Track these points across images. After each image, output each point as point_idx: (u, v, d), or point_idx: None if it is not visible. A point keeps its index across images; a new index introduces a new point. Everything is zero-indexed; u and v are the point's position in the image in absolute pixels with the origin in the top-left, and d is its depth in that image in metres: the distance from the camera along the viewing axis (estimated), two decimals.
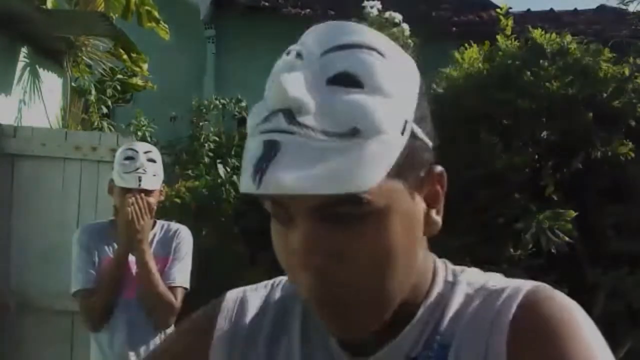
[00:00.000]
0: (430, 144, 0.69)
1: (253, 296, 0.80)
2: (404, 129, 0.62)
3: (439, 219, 0.70)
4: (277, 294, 0.79)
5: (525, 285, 0.68)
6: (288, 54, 0.67)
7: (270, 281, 0.82)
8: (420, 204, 0.68)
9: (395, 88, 0.62)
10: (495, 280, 0.71)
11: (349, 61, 0.61)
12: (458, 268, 0.75)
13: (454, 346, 0.67)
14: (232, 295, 0.82)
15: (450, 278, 0.73)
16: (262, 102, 0.63)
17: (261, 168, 0.57)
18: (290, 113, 0.58)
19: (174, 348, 0.82)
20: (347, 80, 0.60)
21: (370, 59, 0.62)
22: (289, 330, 0.75)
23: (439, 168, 0.71)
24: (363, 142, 0.58)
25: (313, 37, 0.66)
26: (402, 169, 0.62)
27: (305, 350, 0.73)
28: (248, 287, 0.83)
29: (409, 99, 0.64)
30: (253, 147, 0.60)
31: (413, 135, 0.63)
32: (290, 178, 0.56)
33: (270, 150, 0.58)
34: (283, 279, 0.80)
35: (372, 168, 0.58)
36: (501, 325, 0.64)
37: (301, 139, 0.57)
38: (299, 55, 0.65)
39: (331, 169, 0.56)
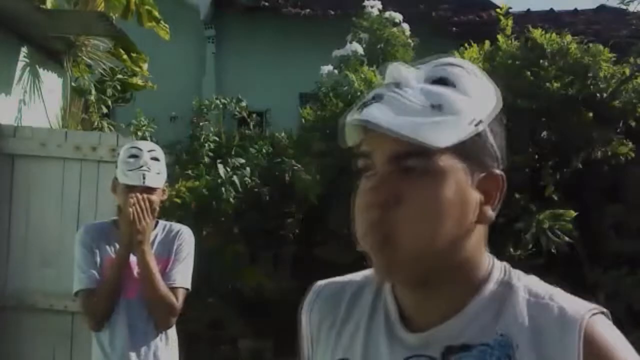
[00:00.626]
0: (498, 155, 0.83)
1: (332, 284, 0.96)
2: (475, 123, 0.78)
3: (492, 214, 0.82)
4: (358, 277, 0.94)
5: (586, 308, 0.78)
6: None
7: (352, 274, 0.96)
8: (475, 194, 0.80)
9: (475, 93, 0.81)
10: (551, 293, 0.82)
11: (447, 71, 0.81)
12: (516, 272, 0.85)
13: (521, 348, 0.76)
14: (315, 286, 0.97)
15: (507, 279, 0.83)
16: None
17: (365, 105, 0.77)
18: (398, 84, 0.79)
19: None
20: (443, 81, 0.80)
21: (462, 72, 0.82)
22: (362, 304, 0.89)
23: (499, 173, 0.83)
24: (442, 114, 0.76)
25: (429, 60, 0.85)
26: (467, 155, 0.78)
27: (370, 324, 0.87)
28: (330, 279, 0.97)
29: (486, 107, 0.82)
30: (365, 97, 0.79)
31: (483, 136, 0.80)
32: (382, 116, 0.75)
33: (375, 98, 0.78)
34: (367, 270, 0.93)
35: (444, 134, 0.75)
36: (573, 344, 0.75)
37: (399, 97, 0.77)
38: (417, 67, 0.83)
39: (414, 121, 0.74)
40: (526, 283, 0.83)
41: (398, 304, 0.85)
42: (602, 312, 0.80)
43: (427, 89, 0.78)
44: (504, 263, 0.87)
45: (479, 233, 0.82)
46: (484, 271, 0.83)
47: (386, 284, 0.88)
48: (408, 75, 0.80)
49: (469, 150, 0.78)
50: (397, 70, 0.81)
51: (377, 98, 0.78)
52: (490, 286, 0.82)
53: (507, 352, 0.76)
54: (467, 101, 0.79)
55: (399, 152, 0.76)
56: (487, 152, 0.81)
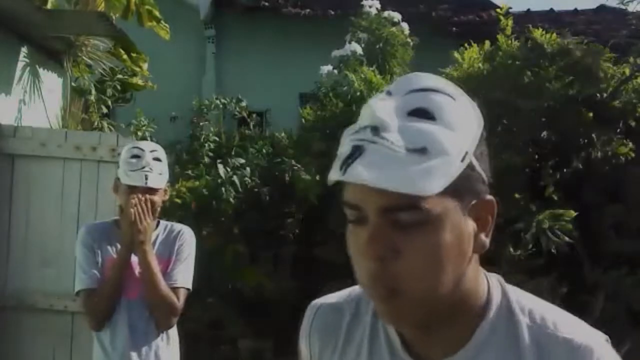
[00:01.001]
0: (485, 178, 0.81)
1: (326, 307, 0.96)
2: (463, 158, 0.76)
3: (487, 241, 0.82)
4: (353, 295, 0.94)
5: (592, 337, 0.80)
6: (382, 92, 0.82)
7: (348, 289, 0.97)
8: (470, 225, 0.80)
9: (459, 125, 0.77)
10: (554, 319, 0.82)
11: (426, 100, 0.77)
12: (510, 288, 0.86)
13: None
14: (309, 311, 0.98)
15: (505, 303, 0.84)
16: (354, 125, 0.79)
17: (347, 163, 0.74)
18: (376, 129, 0.75)
19: None
20: (423, 114, 0.76)
21: (443, 99, 0.78)
22: (362, 324, 0.90)
23: (490, 198, 0.82)
24: (429, 159, 0.73)
25: (401, 81, 0.81)
26: (458, 191, 0.76)
27: (372, 348, 0.87)
28: (324, 297, 0.98)
29: (471, 136, 0.78)
30: (344, 150, 0.76)
31: (471, 165, 0.78)
32: (367, 172, 0.72)
33: (356, 152, 0.74)
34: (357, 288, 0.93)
35: (433, 180, 0.72)
36: None
37: (381, 147, 0.73)
38: (389, 93, 0.80)
39: (401, 173, 0.72)
40: (524, 305, 0.84)
41: (398, 331, 0.86)
42: (607, 340, 0.81)
43: (408, 128, 0.75)
44: (497, 277, 0.87)
45: (475, 262, 0.83)
46: (483, 296, 0.84)
47: None
48: (384, 115, 0.75)
49: (460, 186, 0.76)
50: (372, 111, 0.76)
51: (358, 152, 0.74)
52: (492, 314, 0.83)
53: None
54: (452, 136, 0.76)
55: (390, 205, 0.75)
56: (476, 179, 0.79)
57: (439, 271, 0.77)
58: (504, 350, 0.80)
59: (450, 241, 0.77)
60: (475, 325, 0.82)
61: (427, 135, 0.74)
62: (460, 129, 0.77)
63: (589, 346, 0.78)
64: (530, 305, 0.83)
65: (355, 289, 0.94)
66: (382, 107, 0.76)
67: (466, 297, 0.81)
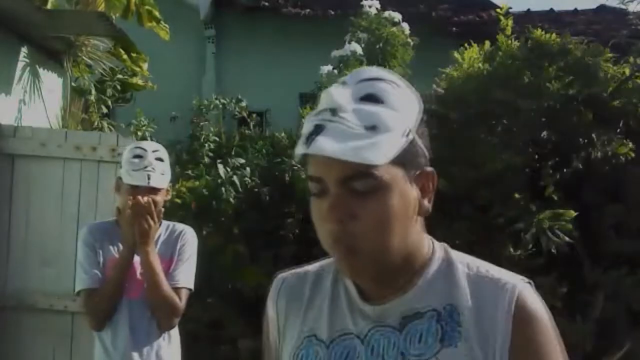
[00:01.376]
0: (426, 153, 0.97)
1: (292, 275, 1.10)
2: (407, 134, 0.91)
3: (429, 205, 0.97)
4: (314, 268, 1.09)
5: (517, 280, 0.96)
6: (339, 82, 0.96)
7: (307, 265, 1.11)
8: (414, 191, 0.95)
9: (402, 107, 0.93)
10: (487, 267, 0.99)
11: (374, 87, 0.93)
12: (454, 251, 1.02)
13: (464, 315, 0.93)
14: (276, 281, 1.11)
15: (447, 257, 1.00)
16: (314, 110, 0.94)
17: (310, 138, 0.87)
18: (334, 110, 0.90)
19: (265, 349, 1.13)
20: (372, 98, 0.91)
21: (388, 86, 0.94)
22: (322, 290, 1.04)
23: (430, 169, 0.98)
24: (378, 134, 0.87)
25: (354, 73, 0.97)
26: (403, 162, 0.91)
27: (332, 306, 1.01)
28: (289, 270, 1.12)
29: (412, 116, 0.94)
30: (307, 128, 0.90)
31: (413, 142, 0.92)
32: (328, 146, 0.85)
33: (318, 129, 0.88)
34: (321, 261, 1.09)
35: (382, 151, 0.87)
36: (507, 311, 0.92)
37: (338, 125, 0.88)
38: (344, 83, 0.95)
39: (356, 145, 0.85)
40: (464, 259, 1.00)
41: (356, 285, 1.00)
42: (529, 283, 0.97)
43: (360, 110, 0.89)
44: (443, 244, 1.03)
45: (419, 223, 0.98)
46: (427, 252, 0.99)
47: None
48: (340, 99, 0.90)
49: (404, 158, 0.91)
50: (330, 96, 0.91)
51: (319, 129, 0.88)
52: (435, 264, 0.98)
53: (456, 318, 0.93)
54: (397, 116, 0.91)
55: (346, 175, 0.89)
56: (418, 154, 0.94)
57: (390, 230, 0.91)
58: (444, 290, 0.96)
59: (398, 205, 0.91)
60: (420, 273, 0.97)
61: (376, 115, 0.89)
62: (402, 110, 0.92)
63: (513, 283, 0.94)
64: (467, 260, 1.00)
65: (315, 264, 1.09)
66: (338, 93, 0.91)
67: (412, 252, 0.96)
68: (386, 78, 0.95)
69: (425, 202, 0.97)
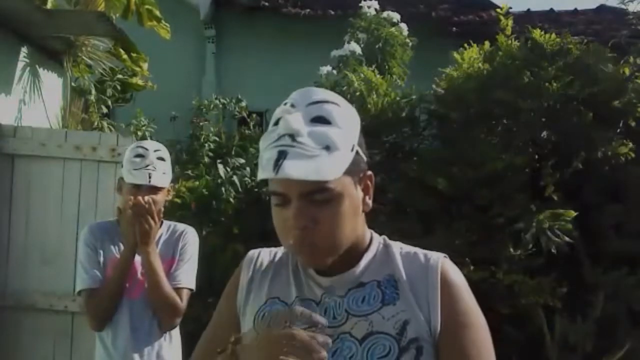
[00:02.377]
0: (365, 158, 1.16)
1: (265, 251, 1.30)
2: (352, 148, 1.09)
3: (370, 202, 1.18)
4: (280, 252, 1.29)
5: (439, 255, 1.19)
6: (286, 104, 1.10)
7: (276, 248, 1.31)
8: (359, 192, 1.15)
9: (346, 124, 1.10)
10: (415, 249, 1.21)
11: (321, 109, 1.09)
12: (390, 240, 1.24)
13: (401, 281, 1.15)
14: (251, 252, 1.30)
15: (384, 243, 1.23)
16: (269, 131, 1.09)
17: (277, 164, 1.02)
18: (292, 136, 1.05)
19: (218, 317, 1.30)
20: (321, 120, 1.07)
21: (332, 108, 1.10)
22: (287, 266, 1.24)
23: (369, 172, 1.18)
24: (331, 153, 1.05)
25: (300, 95, 1.12)
26: (351, 171, 1.09)
27: (295, 277, 1.21)
28: (260, 249, 1.31)
29: (354, 131, 1.12)
30: (269, 155, 1.05)
31: (357, 152, 1.11)
32: (294, 170, 1.01)
33: (282, 155, 1.03)
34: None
35: (336, 167, 1.05)
36: (435, 276, 1.15)
37: (298, 150, 1.03)
38: (292, 105, 1.09)
39: (315, 166, 1.02)
40: (397, 244, 1.22)
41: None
42: (446, 257, 1.19)
43: (313, 132, 1.05)
44: (383, 235, 1.24)
45: (363, 217, 1.18)
46: (368, 239, 1.21)
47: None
48: (296, 124, 1.05)
49: (351, 168, 1.08)
50: (287, 122, 1.05)
51: (282, 155, 1.03)
52: (374, 247, 1.20)
53: (394, 284, 1.15)
54: (343, 133, 1.08)
55: (307, 190, 1.06)
56: (360, 161, 1.13)
57: (343, 229, 1.11)
58: (383, 265, 1.18)
59: (349, 207, 1.10)
60: (362, 254, 1.19)
61: (327, 136, 1.05)
62: (347, 127, 1.09)
63: (436, 258, 1.18)
64: (400, 244, 1.23)
65: (281, 248, 1.26)
66: (294, 119, 1.06)
67: (357, 240, 1.17)
68: (330, 100, 1.11)
69: (367, 199, 1.17)
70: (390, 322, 1.11)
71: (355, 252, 1.18)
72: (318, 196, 1.07)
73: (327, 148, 1.04)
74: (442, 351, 1.11)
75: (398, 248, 1.21)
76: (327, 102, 1.10)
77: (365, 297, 1.14)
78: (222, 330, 1.25)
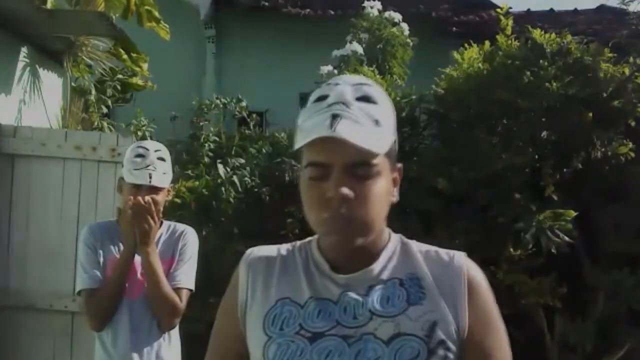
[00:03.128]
0: (397, 151, 1.16)
1: (265, 248, 1.22)
2: (394, 131, 1.11)
3: (397, 195, 1.15)
4: (283, 249, 1.21)
5: (461, 253, 1.16)
6: (329, 84, 1.11)
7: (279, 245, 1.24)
8: (391, 180, 1.13)
9: (389, 108, 1.11)
10: (432, 247, 1.18)
11: (367, 90, 1.09)
12: (405, 238, 1.19)
13: (426, 280, 1.11)
14: (249, 251, 1.23)
15: (401, 240, 1.18)
16: (312, 105, 1.09)
17: (334, 124, 1.01)
18: (345, 104, 1.05)
19: (220, 338, 1.23)
20: (368, 99, 1.07)
21: (376, 90, 1.10)
22: (295, 263, 1.17)
23: (400, 164, 1.16)
24: (380, 128, 1.06)
25: (343, 77, 1.13)
26: (389, 155, 1.10)
27: (308, 274, 1.14)
28: (259, 246, 1.24)
29: (394, 116, 1.12)
30: (321, 118, 1.03)
31: (396, 139, 1.12)
32: (349, 132, 1.00)
33: (337, 117, 1.02)
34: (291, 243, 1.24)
35: (383, 142, 1.06)
36: (461, 276, 1.12)
37: (351, 117, 1.03)
38: (337, 84, 1.09)
39: (367, 135, 1.02)
40: (415, 243, 1.18)
41: (325, 258, 1.14)
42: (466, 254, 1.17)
43: (362, 107, 1.05)
44: (399, 234, 1.20)
45: (388, 209, 1.15)
46: (387, 235, 1.17)
47: (313, 249, 1.17)
48: (347, 95, 1.05)
49: (391, 151, 1.10)
50: (339, 92, 1.05)
51: (339, 118, 1.02)
52: (393, 244, 1.16)
53: (417, 282, 1.11)
54: (388, 115, 1.09)
55: (354, 161, 1.04)
56: (396, 150, 1.14)
57: (378, 209, 1.08)
58: (403, 263, 1.14)
59: (384, 189, 1.08)
60: (382, 251, 1.14)
61: (377, 112, 1.06)
62: (390, 110, 1.11)
63: (461, 255, 1.15)
64: (417, 243, 1.18)
65: (284, 245, 1.22)
66: (345, 90, 1.06)
67: (380, 233, 1.14)
68: (372, 84, 1.11)
69: (395, 191, 1.14)
70: (418, 323, 1.07)
71: (374, 247, 1.13)
72: (360, 170, 1.04)
73: (376, 122, 1.04)
74: (467, 354, 1.08)
75: (416, 246, 1.18)
76: (369, 85, 1.10)
77: (390, 297, 1.10)
78: (226, 351, 1.20)
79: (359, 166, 1.04)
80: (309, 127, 1.04)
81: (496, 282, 3.70)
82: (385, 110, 1.08)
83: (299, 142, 1.05)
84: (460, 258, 1.15)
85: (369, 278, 1.11)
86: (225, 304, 1.22)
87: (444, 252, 1.16)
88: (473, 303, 1.10)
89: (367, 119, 1.04)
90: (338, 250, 1.11)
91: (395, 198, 1.14)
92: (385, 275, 1.12)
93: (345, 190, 1.03)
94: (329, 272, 1.13)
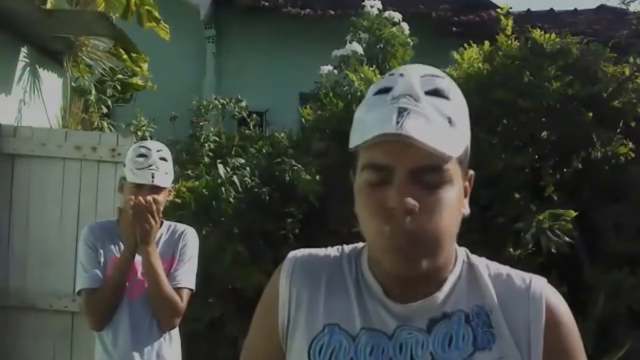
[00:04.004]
0: (469, 154, 0.98)
1: (309, 254, 1.04)
2: (468, 132, 0.94)
3: (468, 207, 0.98)
4: (332, 253, 1.03)
5: (541, 280, 0.97)
6: (392, 74, 0.94)
7: (323, 249, 1.06)
8: (463, 190, 0.95)
9: (463, 105, 0.94)
10: (504, 268, 0.99)
11: (438, 83, 0.91)
12: (471, 254, 1.02)
13: (495, 314, 0.93)
14: (292, 256, 1.04)
15: (468, 260, 1.00)
16: (373, 98, 0.91)
17: (400, 120, 0.84)
18: (412, 97, 0.88)
19: (258, 335, 1.05)
20: (438, 93, 0.90)
21: (448, 84, 0.93)
22: (344, 282, 0.99)
23: (472, 172, 1.00)
24: (453, 128, 0.88)
25: (409, 67, 0.95)
26: (462, 160, 0.93)
27: (359, 296, 0.97)
28: (304, 249, 1.06)
29: (467, 114, 0.95)
30: (384, 113, 0.86)
31: (468, 143, 0.94)
32: (418, 131, 0.83)
33: (404, 112, 0.86)
34: (337, 247, 1.06)
35: (457, 146, 0.89)
36: (539, 310, 0.93)
37: (421, 113, 0.86)
38: (401, 74, 0.92)
39: (439, 135, 0.85)
40: (482, 261, 1.01)
41: (379, 281, 0.97)
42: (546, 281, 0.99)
43: (435, 102, 0.88)
44: (462, 247, 1.02)
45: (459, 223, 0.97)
46: (453, 255, 0.98)
47: (364, 266, 0.99)
48: (416, 88, 0.89)
49: (464, 156, 0.93)
50: (409, 83, 0.89)
51: (405, 112, 0.86)
52: (459, 267, 0.98)
53: (486, 319, 0.93)
54: (461, 113, 0.92)
55: (421, 165, 0.87)
56: (468, 155, 0.96)
57: (448, 223, 0.90)
58: (470, 291, 0.96)
59: (457, 199, 0.92)
60: (446, 276, 0.96)
61: (450, 109, 0.89)
62: (463, 108, 0.94)
63: (541, 282, 0.97)
64: (485, 261, 1.01)
65: (333, 249, 1.05)
66: (414, 82, 0.89)
67: (449, 254, 0.95)
68: (444, 76, 0.94)
69: (466, 202, 0.98)
70: None
71: (441, 271, 0.95)
72: (429, 176, 0.88)
73: (449, 121, 0.88)
74: None
75: (485, 267, 0.99)
76: (441, 77, 0.93)
77: (453, 337, 0.92)
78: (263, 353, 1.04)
79: (427, 171, 0.87)
80: (369, 123, 0.87)
81: None
82: (459, 107, 0.92)
83: (356, 140, 0.88)
84: (539, 285, 0.96)
85: (430, 309, 0.94)
86: (263, 321, 1.04)
87: (518, 277, 0.97)
88: (552, 344, 0.92)
89: (439, 116, 0.87)
90: (398, 273, 0.91)
91: (466, 210, 0.97)
92: (449, 307, 0.94)
93: (411, 201, 0.85)
94: (383, 297, 0.96)
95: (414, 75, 0.91)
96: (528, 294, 0.95)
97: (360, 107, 0.93)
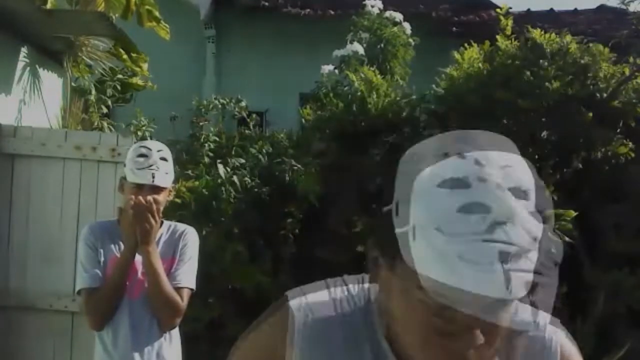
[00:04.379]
0: None
1: (316, 311, 0.90)
2: None
3: None
4: (340, 309, 0.90)
5: (557, 330, 0.89)
6: (462, 155, 0.73)
7: (332, 288, 0.93)
8: None
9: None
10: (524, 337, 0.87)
11: (517, 177, 0.73)
12: None
13: None
14: (294, 310, 0.91)
15: None
16: (449, 195, 0.69)
17: (508, 278, 0.66)
18: (505, 225, 0.67)
19: None
20: (519, 193, 0.70)
21: (529, 178, 0.75)
22: (360, 350, 0.87)
23: None
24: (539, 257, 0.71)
25: (488, 154, 0.75)
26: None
27: None
28: (310, 295, 0.93)
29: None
30: (481, 252, 0.66)
31: None
32: (525, 287, 0.67)
33: (508, 263, 0.66)
34: (344, 287, 0.93)
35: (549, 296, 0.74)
36: None
37: (522, 251, 0.67)
38: (477, 162, 0.72)
39: (543, 299, 0.70)
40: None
41: (394, 351, 0.86)
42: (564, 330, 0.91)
43: (527, 221, 0.70)
44: None
45: None
46: None
47: (379, 334, 0.87)
48: (514, 204, 0.68)
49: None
50: (504, 201, 0.68)
51: (506, 259, 0.67)
52: None
53: None
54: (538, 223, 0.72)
55: (511, 331, 0.77)
56: None
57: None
58: None
59: None
60: None
61: (535, 223, 0.69)
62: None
63: (555, 336, 0.89)
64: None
65: (338, 295, 0.92)
66: (506, 196, 0.70)
67: None
68: (524, 162, 0.77)
69: None
70: None
71: None
72: (512, 336, 0.79)
73: (536, 244, 0.70)
74: None
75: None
76: (519, 162, 0.76)
77: None
78: None
79: (514, 335, 0.78)
80: (458, 265, 0.66)
81: None
82: (535, 211, 0.72)
83: (435, 273, 0.68)
84: (554, 341, 0.89)
85: None
86: (261, 346, 1.01)
87: (535, 330, 0.88)
88: None
89: (532, 245, 0.69)
90: None
91: None
92: None
93: (485, 356, 0.75)
94: None
95: (493, 165, 0.72)
96: (545, 350, 0.88)
97: (428, 210, 0.70)
